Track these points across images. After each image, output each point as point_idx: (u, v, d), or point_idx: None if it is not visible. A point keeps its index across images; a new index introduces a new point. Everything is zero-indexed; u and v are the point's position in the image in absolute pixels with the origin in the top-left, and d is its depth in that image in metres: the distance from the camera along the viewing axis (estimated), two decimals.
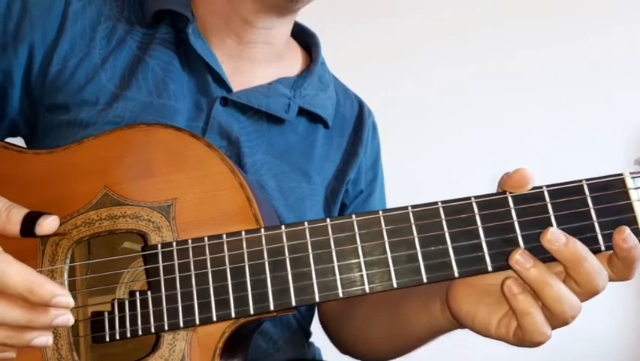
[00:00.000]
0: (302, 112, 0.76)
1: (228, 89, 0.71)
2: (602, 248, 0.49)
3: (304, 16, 0.79)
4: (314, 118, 0.78)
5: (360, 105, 0.86)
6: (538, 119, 1.71)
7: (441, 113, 1.71)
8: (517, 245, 0.49)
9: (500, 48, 1.75)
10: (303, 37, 0.83)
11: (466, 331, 0.56)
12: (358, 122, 0.83)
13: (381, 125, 0.89)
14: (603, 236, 0.49)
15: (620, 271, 0.49)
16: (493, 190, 0.52)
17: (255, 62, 0.75)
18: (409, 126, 1.67)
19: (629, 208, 0.50)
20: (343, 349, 0.77)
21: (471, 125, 1.71)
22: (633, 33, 1.75)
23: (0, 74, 0.67)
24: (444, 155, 1.69)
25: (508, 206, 0.50)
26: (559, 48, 1.74)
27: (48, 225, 0.49)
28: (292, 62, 0.80)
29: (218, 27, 0.73)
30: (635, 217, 0.49)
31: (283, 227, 0.52)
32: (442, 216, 0.50)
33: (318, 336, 0.82)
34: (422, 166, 1.66)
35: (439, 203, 0.51)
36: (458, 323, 0.56)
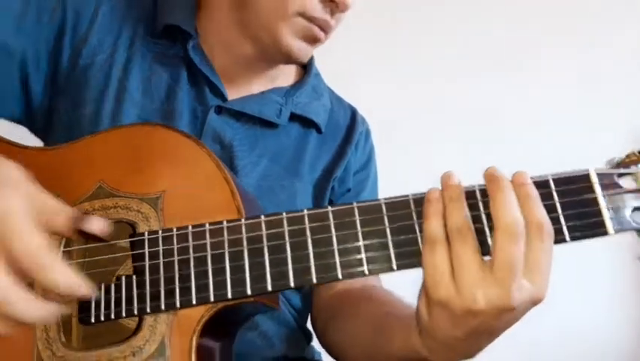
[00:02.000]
0: (295, 118, 0.80)
1: (224, 99, 0.75)
2: (567, 239, 0.51)
3: None
4: (307, 123, 0.81)
5: (354, 113, 0.90)
6: (529, 116, 1.73)
7: (438, 110, 1.74)
8: (484, 235, 0.51)
9: (497, 46, 1.78)
10: None
11: None
12: (350, 128, 0.87)
13: (377, 125, 0.92)
14: (568, 228, 0.51)
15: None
16: None
17: (252, 79, 0.80)
18: (407, 126, 1.69)
19: (594, 202, 0.51)
20: (330, 353, 0.78)
21: (466, 123, 1.72)
22: (627, 29, 1.78)
23: (31, 48, 0.71)
24: (441, 151, 1.70)
25: (476, 199, 0.52)
26: (552, 45, 1.77)
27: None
28: (287, 74, 0.84)
29: (221, 45, 0.77)
30: (599, 210, 0.51)
31: (262, 217, 0.55)
32: (412, 207, 0.53)
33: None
34: (419, 166, 1.67)
35: (410, 195, 0.53)
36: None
